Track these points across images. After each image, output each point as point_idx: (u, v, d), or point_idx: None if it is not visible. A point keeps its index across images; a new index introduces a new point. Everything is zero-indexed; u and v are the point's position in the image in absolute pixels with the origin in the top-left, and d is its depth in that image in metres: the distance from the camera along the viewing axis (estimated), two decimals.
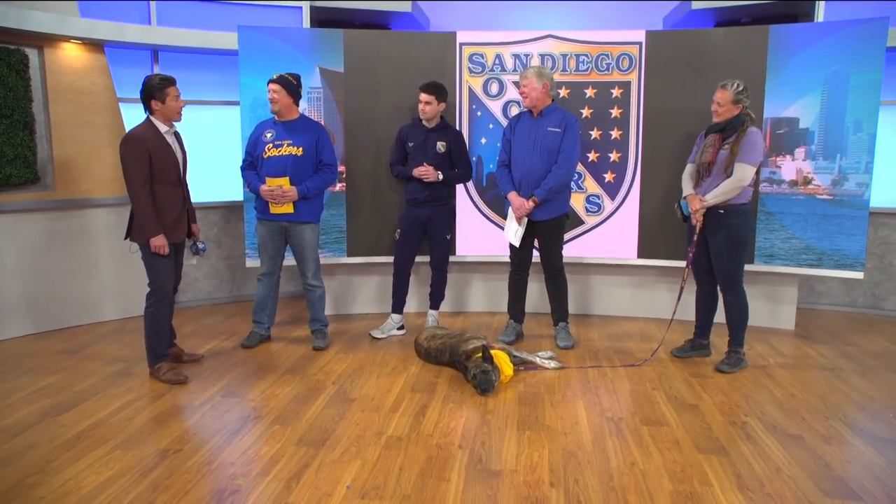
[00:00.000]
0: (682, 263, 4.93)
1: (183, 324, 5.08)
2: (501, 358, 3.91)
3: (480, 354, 3.84)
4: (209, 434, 3.24)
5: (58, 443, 3.13)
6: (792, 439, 3.19)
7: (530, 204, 4.36)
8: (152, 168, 3.76)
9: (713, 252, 4.07)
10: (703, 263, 4.19)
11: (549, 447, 3.11)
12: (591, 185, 5.07)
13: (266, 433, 3.24)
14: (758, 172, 4.02)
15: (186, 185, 4.08)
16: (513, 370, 3.95)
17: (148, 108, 3.84)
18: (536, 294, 5.13)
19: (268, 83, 4.33)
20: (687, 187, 4.17)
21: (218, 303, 5.86)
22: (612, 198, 5.06)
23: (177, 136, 4.01)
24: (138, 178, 3.73)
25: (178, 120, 3.92)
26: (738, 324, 4.09)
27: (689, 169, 4.22)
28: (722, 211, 3.98)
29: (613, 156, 5.02)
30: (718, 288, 4.17)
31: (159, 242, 3.79)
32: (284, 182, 4.30)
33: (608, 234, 5.10)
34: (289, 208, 4.34)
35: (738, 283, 4.07)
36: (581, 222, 5.11)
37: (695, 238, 4.08)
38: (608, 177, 5.04)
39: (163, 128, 3.85)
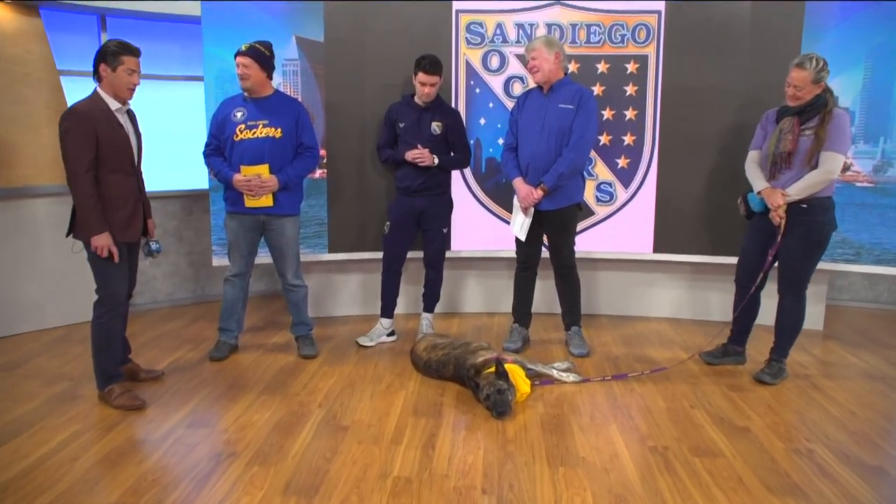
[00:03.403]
0: (704, 259, 4.52)
1: (139, 332, 4.42)
2: (516, 373, 3.37)
3: (493, 369, 3.30)
4: (173, 480, 2.62)
5: None
6: (875, 473, 2.71)
7: (539, 193, 3.82)
8: (100, 153, 3.11)
9: (785, 250, 3.51)
10: (758, 264, 3.67)
11: (591, 489, 2.58)
12: (602, 171, 4.53)
13: (244, 477, 2.64)
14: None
15: (141, 174, 3.43)
16: (529, 387, 3.41)
17: (96, 74, 3.18)
18: (539, 293, 4.57)
19: (235, 56, 3.69)
20: (760, 180, 3.56)
21: (179, 305, 5.18)
22: (626, 186, 4.53)
23: (130, 115, 3.35)
24: (81, 162, 3.07)
25: (128, 97, 3.26)
26: (791, 332, 3.60)
27: (754, 157, 3.65)
28: (805, 205, 3.42)
29: (628, 139, 4.48)
30: (777, 290, 3.62)
31: (102, 242, 3.13)
32: (263, 170, 3.68)
33: (621, 226, 4.57)
34: (268, 200, 3.72)
35: (804, 288, 3.56)
36: (591, 213, 4.57)
37: (779, 238, 3.50)
38: (621, 162, 4.51)
39: (113, 104, 3.19)
